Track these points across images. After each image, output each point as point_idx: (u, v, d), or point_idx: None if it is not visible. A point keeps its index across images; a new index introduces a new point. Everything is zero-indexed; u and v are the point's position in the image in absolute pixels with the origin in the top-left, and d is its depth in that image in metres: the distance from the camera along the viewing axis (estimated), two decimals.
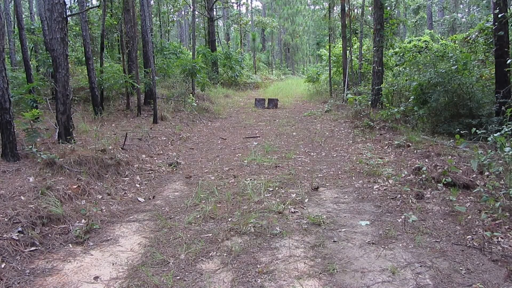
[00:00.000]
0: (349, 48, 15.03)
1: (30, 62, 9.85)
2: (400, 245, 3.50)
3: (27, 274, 3.13)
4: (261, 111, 13.78)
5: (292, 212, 4.35)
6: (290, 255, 3.35)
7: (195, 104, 12.30)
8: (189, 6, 21.59)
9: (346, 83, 14.34)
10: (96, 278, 3.09)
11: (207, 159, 7.14)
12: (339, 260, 3.25)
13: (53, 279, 3.08)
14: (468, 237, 3.59)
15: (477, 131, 4.77)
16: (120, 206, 4.71)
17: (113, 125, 9.12)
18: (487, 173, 4.89)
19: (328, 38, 19.53)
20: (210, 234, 3.79)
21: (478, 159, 4.31)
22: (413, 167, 5.50)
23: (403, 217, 4.07)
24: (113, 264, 3.30)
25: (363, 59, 14.53)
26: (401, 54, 14.47)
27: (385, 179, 5.38)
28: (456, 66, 7.83)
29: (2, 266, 3.14)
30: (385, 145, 7.45)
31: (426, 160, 5.95)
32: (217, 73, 20.75)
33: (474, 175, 4.96)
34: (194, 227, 4.01)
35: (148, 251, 3.50)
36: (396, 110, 8.97)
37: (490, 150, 4.54)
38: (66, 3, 6.93)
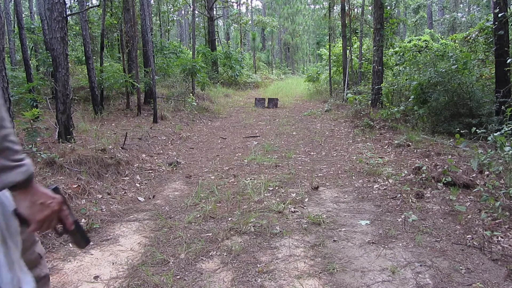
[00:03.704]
0: (349, 47, 15.03)
1: (30, 61, 9.85)
2: (400, 244, 3.50)
3: None
4: (261, 110, 13.78)
5: (292, 211, 4.35)
6: (290, 255, 3.35)
7: (195, 104, 12.30)
8: (189, 5, 21.55)
9: (346, 82, 14.33)
10: (96, 277, 3.08)
11: (207, 158, 7.13)
12: (339, 260, 3.24)
13: (53, 278, 3.07)
14: (468, 236, 3.59)
15: (477, 130, 4.77)
16: (120, 206, 4.71)
17: (113, 125, 9.12)
18: (487, 172, 4.89)
19: (328, 37, 19.52)
20: (210, 234, 3.79)
21: (478, 158, 4.30)
22: (413, 167, 5.49)
23: (403, 216, 4.07)
24: (113, 264, 3.30)
25: (363, 58, 14.52)
26: (401, 54, 14.45)
27: (385, 178, 5.38)
28: (456, 66, 7.82)
29: None
30: (385, 144, 7.45)
31: (426, 159, 5.95)
32: (217, 72, 20.75)
33: (474, 175, 4.96)
34: (194, 226, 4.01)
35: (148, 251, 3.50)
36: (396, 109, 8.96)
37: (490, 150, 4.53)
38: (66, 2, 6.93)
